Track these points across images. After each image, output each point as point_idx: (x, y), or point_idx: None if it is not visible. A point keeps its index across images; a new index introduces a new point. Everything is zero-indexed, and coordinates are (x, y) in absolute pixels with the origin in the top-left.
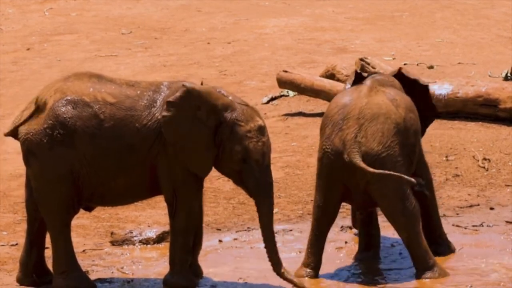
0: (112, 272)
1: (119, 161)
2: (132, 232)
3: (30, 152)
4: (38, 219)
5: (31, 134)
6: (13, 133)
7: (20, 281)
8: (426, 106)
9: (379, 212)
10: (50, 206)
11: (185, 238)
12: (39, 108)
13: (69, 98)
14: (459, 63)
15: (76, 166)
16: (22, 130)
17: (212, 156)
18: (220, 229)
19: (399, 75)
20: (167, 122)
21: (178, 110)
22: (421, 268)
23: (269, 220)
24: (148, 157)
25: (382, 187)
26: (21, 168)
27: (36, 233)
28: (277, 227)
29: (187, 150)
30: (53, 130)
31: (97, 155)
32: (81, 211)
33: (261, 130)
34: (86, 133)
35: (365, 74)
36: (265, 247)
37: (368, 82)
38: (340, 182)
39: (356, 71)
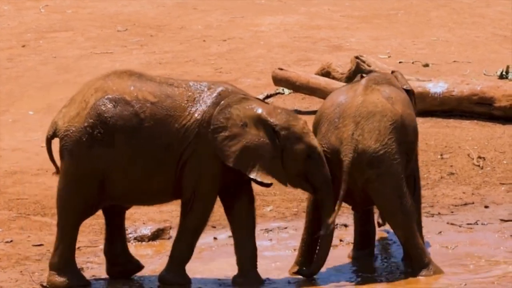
0: None
1: (155, 161)
2: (127, 229)
3: (68, 149)
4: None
5: (71, 131)
6: (54, 133)
7: (109, 272)
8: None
9: (375, 210)
10: (68, 204)
11: (193, 238)
12: (79, 106)
13: (110, 96)
14: (454, 61)
15: (111, 165)
16: (62, 127)
17: (280, 164)
18: (215, 227)
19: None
20: (224, 150)
21: (229, 135)
22: (417, 266)
23: (329, 219)
24: (181, 157)
25: (380, 185)
26: (16, 165)
27: (116, 225)
28: (271, 224)
29: (257, 167)
30: (93, 129)
31: (135, 154)
32: None
33: (307, 125)
34: (126, 132)
35: (364, 76)
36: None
37: (363, 81)
38: (336, 180)
39: (360, 74)
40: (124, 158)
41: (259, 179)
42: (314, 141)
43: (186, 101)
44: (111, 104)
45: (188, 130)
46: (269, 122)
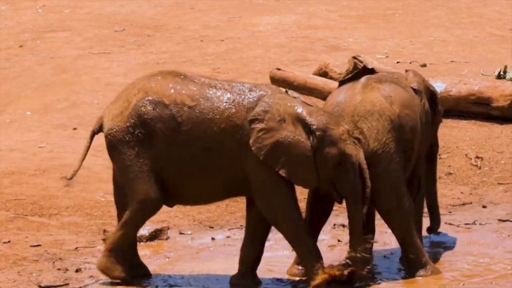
0: None
1: (196, 164)
2: None
3: (113, 147)
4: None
5: (115, 130)
6: (100, 128)
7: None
8: None
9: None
10: (136, 197)
11: (298, 236)
12: (122, 105)
13: (150, 98)
14: (452, 61)
15: (156, 166)
16: (107, 125)
17: (313, 164)
18: (212, 227)
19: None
20: (258, 142)
21: (264, 127)
22: (414, 266)
23: (360, 227)
24: (223, 161)
25: (378, 184)
26: (13, 166)
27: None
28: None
29: (288, 164)
30: (135, 129)
31: (175, 157)
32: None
33: (349, 132)
34: (165, 135)
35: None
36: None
37: (363, 79)
38: None
39: (369, 69)
40: (164, 160)
41: (287, 176)
42: (350, 150)
43: (226, 104)
44: (151, 106)
45: (228, 133)
46: (307, 121)
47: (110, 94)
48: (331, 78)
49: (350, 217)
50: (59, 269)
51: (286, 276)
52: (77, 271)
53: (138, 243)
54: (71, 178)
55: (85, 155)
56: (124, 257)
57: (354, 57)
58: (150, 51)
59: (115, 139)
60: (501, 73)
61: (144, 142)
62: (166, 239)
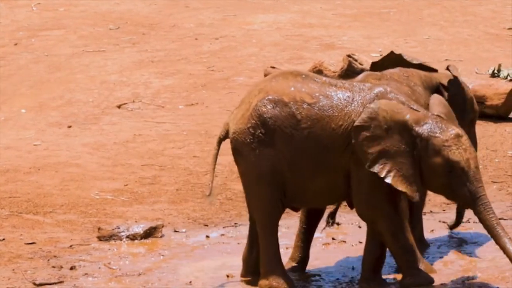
0: (99, 268)
1: (315, 162)
2: (119, 228)
3: (237, 151)
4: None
5: (237, 133)
6: (226, 134)
7: (244, 277)
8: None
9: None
10: (257, 204)
11: (399, 242)
12: (244, 107)
13: (270, 97)
14: (446, 59)
15: (278, 166)
16: (232, 128)
17: (418, 174)
18: (207, 225)
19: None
20: (363, 149)
21: (371, 135)
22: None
23: (496, 230)
24: (341, 159)
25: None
26: (8, 163)
27: (256, 232)
28: None
29: (392, 173)
30: (255, 130)
31: (294, 155)
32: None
33: (459, 137)
34: (285, 133)
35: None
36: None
37: (361, 76)
38: None
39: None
40: (286, 158)
41: (393, 185)
42: (455, 155)
43: (344, 101)
44: (270, 105)
45: (344, 131)
46: (411, 130)
47: (105, 92)
48: (325, 76)
49: (485, 227)
50: (53, 267)
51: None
52: (71, 268)
53: (132, 240)
54: (209, 195)
55: (214, 163)
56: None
57: (349, 56)
58: (145, 49)
59: (238, 142)
60: (495, 71)
61: (264, 142)
62: (161, 237)
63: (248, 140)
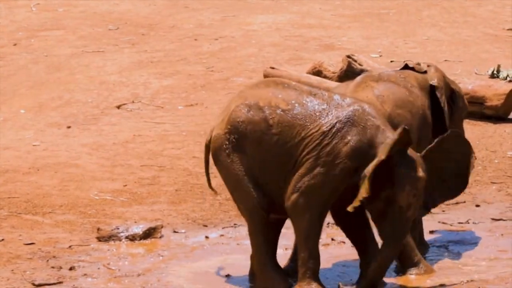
0: (99, 268)
1: (282, 169)
2: (118, 228)
3: (215, 156)
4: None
5: (216, 138)
6: (210, 139)
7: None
8: None
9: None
10: (240, 208)
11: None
12: (224, 113)
13: (247, 102)
14: (446, 60)
15: (251, 171)
16: (213, 134)
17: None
18: (206, 225)
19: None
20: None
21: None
22: (407, 264)
23: (385, 267)
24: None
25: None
26: (7, 164)
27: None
28: None
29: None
30: (230, 135)
31: (264, 160)
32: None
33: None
34: (255, 137)
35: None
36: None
37: (358, 77)
38: None
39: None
40: (257, 164)
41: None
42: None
43: (318, 113)
44: (245, 110)
45: (311, 141)
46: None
47: (104, 93)
48: (325, 77)
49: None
50: (53, 267)
51: None
52: (71, 269)
53: (131, 241)
54: (210, 185)
55: (207, 168)
56: (278, 268)
57: (348, 56)
58: (144, 50)
59: (215, 147)
60: (495, 72)
61: (237, 147)
62: (160, 237)
63: (224, 145)
